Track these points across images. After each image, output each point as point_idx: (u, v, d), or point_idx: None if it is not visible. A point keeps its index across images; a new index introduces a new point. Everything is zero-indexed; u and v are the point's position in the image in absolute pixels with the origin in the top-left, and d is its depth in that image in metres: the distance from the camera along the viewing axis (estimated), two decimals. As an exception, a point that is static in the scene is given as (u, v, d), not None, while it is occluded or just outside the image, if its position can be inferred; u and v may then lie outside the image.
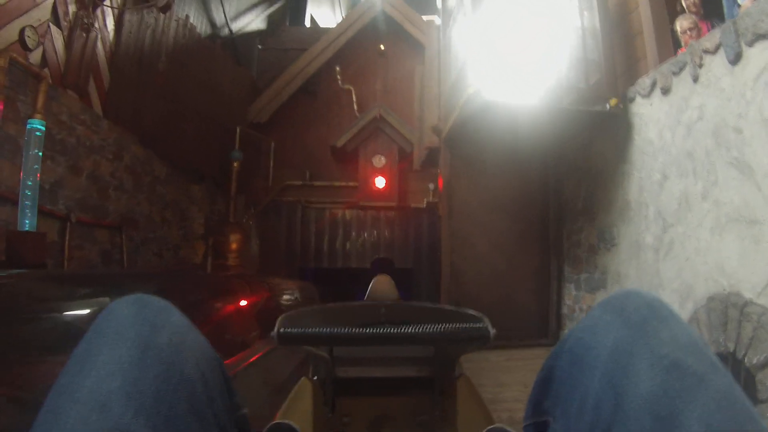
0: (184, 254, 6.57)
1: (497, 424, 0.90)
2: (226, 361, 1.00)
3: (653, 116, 3.77)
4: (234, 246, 6.69)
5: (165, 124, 6.03)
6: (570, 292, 5.05)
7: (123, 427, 0.43)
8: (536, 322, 5.02)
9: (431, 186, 7.85)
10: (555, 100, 3.79)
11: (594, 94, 3.97)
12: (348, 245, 8.05)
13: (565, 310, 5.14)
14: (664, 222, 3.60)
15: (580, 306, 4.85)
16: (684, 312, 3.23)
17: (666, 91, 3.57)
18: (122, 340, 0.51)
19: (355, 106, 8.20)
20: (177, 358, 0.53)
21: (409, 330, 0.95)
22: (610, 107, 3.98)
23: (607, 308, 0.60)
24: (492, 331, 0.97)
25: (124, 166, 5.26)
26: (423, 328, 0.94)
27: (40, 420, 0.45)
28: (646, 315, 0.55)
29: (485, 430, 0.86)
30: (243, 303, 2.78)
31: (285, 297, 3.73)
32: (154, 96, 5.83)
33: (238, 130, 7.22)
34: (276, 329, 0.98)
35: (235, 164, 7.02)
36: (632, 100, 4.04)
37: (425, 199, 7.90)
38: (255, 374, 2.21)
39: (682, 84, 3.39)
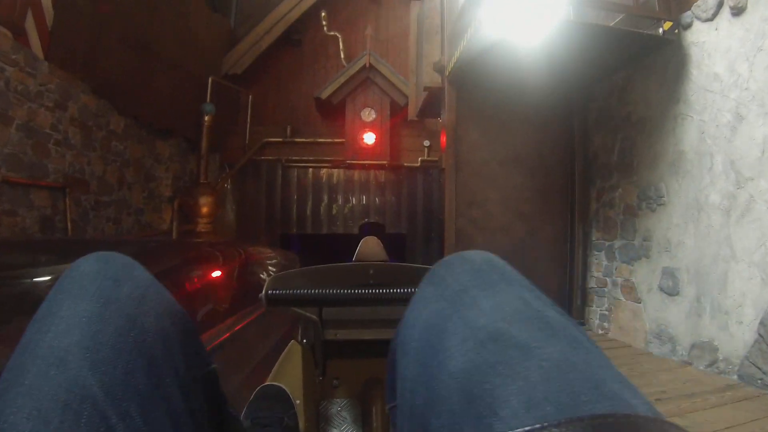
0: (148, 220, 5.84)
1: None
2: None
3: (720, 45, 3.09)
4: (205, 210, 5.97)
5: (125, 72, 5.25)
6: (599, 262, 4.36)
7: (80, 381, 0.42)
8: (557, 298, 4.24)
9: (426, 143, 7.21)
10: (594, 18, 3.04)
11: (642, 15, 3.26)
12: (334, 209, 7.42)
13: (592, 284, 4.45)
14: (737, 175, 2.93)
15: (614, 279, 4.16)
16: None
17: (739, 12, 2.87)
18: (83, 294, 0.50)
19: (342, 55, 7.40)
20: (138, 312, 0.52)
21: (399, 290, 0.96)
22: (664, 32, 3.26)
23: (429, 279, 0.56)
24: None
25: (69, 118, 4.50)
26: (411, 289, 0.93)
27: (3, 377, 0.43)
28: (466, 283, 0.51)
29: None
30: (213, 274, 2.38)
31: (264, 268, 3.24)
32: (114, 39, 5.03)
33: (210, 80, 6.40)
34: (264, 291, 0.96)
35: (207, 118, 6.23)
36: (688, 26, 3.35)
37: (420, 158, 7.31)
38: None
39: (762, 1, 2.68)
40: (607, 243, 4.28)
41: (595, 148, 4.48)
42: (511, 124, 4.36)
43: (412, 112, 5.82)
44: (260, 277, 2.78)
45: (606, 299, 4.25)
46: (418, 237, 7.44)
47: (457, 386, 0.41)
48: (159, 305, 0.56)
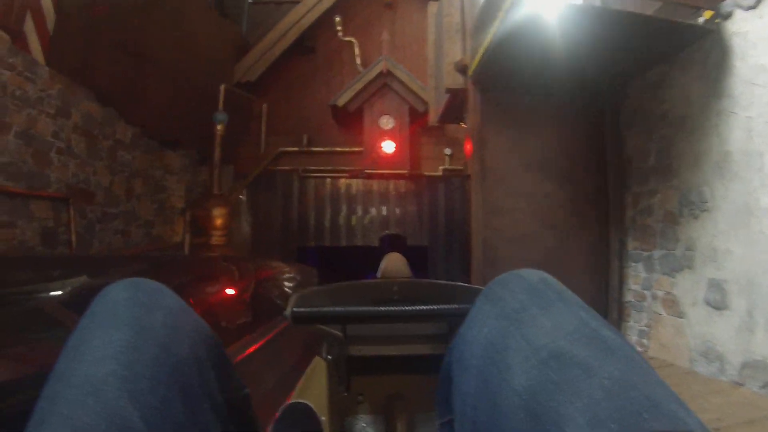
0: (159, 232, 5.60)
1: None
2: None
3: (766, 34, 2.77)
4: (218, 222, 5.70)
5: (128, 79, 5.03)
6: (637, 274, 3.97)
7: (120, 411, 0.42)
8: (593, 312, 3.87)
9: (448, 151, 6.91)
10: (631, 5, 2.73)
11: (682, 2, 2.94)
12: (353, 220, 7.11)
13: (629, 297, 4.05)
14: (792, 176, 2.56)
15: (653, 292, 3.75)
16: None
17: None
18: (116, 323, 0.50)
19: (358, 60, 7.15)
20: (171, 340, 0.52)
21: (423, 307, 0.95)
22: (705, 21, 2.94)
23: (486, 297, 0.57)
24: None
25: (72, 126, 4.29)
26: (436, 305, 0.94)
27: (38, 406, 0.43)
28: (525, 302, 0.51)
29: None
30: (228, 292, 2.20)
31: (279, 284, 3.02)
32: (115, 46, 4.83)
33: (222, 88, 6.18)
34: (289, 308, 0.96)
35: (219, 127, 5.99)
36: (728, 16, 3.02)
37: (441, 167, 6.99)
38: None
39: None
40: (645, 253, 3.89)
41: (629, 151, 4.11)
42: (539, 127, 4.03)
43: (432, 118, 5.51)
44: (275, 295, 2.60)
45: (645, 314, 3.85)
46: (439, 249, 7.09)
47: (521, 404, 0.42)
48: (191, 332, 0.56)
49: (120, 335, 0.48)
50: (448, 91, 4.21)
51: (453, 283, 1.12)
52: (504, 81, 3.85)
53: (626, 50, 3.42)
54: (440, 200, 7.11)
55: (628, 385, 0.40)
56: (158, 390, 0.46)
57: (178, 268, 2.67)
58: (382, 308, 0.98)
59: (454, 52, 4.19)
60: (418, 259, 7.08)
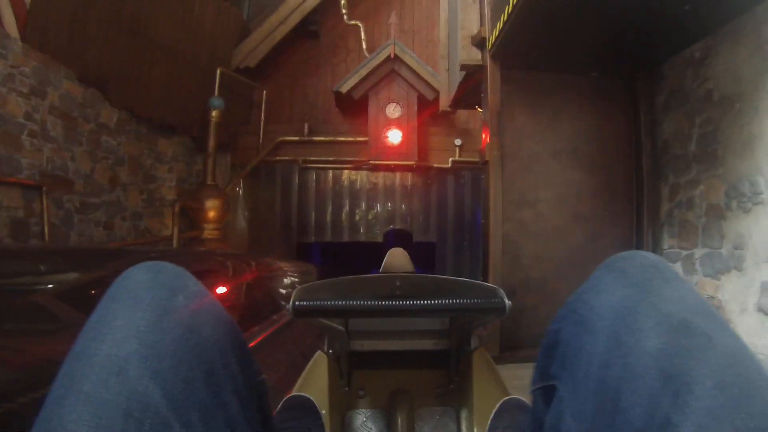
0: (148, 225, 5.22)
1: (512, 396, 1.00)
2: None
3: None
4: (211, 214, 5.32)
5: (118, 58, 4.67)
6: (674, 276, 3.51)
7: (141, 389, 0.42)
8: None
9: (458, 142, 6.51)
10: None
11: None
12: (358, 215, 6.72)
13: (665, 302, 3.60)
14: None
15: None
16: None
17: None
18: (139, 303, 0.49)
19: (365, 46, 6.73)
20: (195, 322, 0.52)
21: (425, 302, 0.95)
22: None
23: (609, 269, 0.59)
24: (508, 303, 0.94)
25: (48, 107, 3.91)
26: (438, 301, 0.94)
27: (56, 386, 0.43)
28: (650, 275, 0.54)
29: (501, 401, 0.98)
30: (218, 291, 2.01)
31: (275, 283, 2.89)
32: (104, 22, 4.46)
33: (218, 71, 5.77)
34: (291, 302, 0.93)
35: (214, 113, 5.59)
36: None
37: (450, 159, 6.57)
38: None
39: None
40: (684, 252, 3.47)
41: (666, 137, 3.67)
42: (566, 109, 3.61)
43: (444, 102, 5.06)
44: (270, 295, 2.55)
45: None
46: (448, 246, 6.68)
47: (654, 364, 0.45)
48: (214, 315, 0.56)
49: (143, 315, 0.48)
50: (463, 68, 3.77)
51: (455, 278, 1.07)
52: (527, 56, 3.44)
53: (664, 21, 2.99)
54: (449, 194, 6.72)
55: (743, 356, 0.44)
56: (181, 370, 0.46)
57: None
58: (386, 303, 0.96)
59: (471, 24, 3.73)
60: (425, 256, 6.74)
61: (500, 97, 3.43)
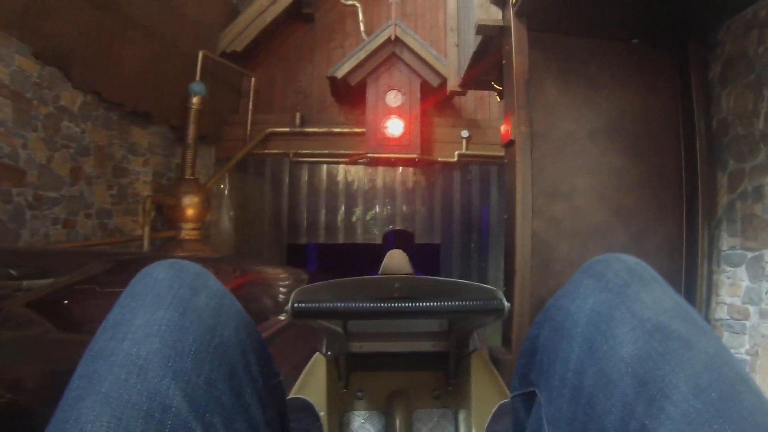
0: (118, 223, 4.64)
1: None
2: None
3: None
4: (190, 212, 4.74)
5: (83, 34, 4.12)
6: (734, 282, 2.96)
7: (162, 390, 0.42)
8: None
9: (465, 133, 5.98)
10: None
11: None
12: (355, 213, 6.19)
13: (722, 314, 3.03)
14: None
15: (761, 308, 2.73)
16: None
17: None
18: (160, 302, 0.49)
19: (363, 28, 6.19)
20: (216, 322, 0.52)
21: (424, 304, 0.95)
22: None
23: (586, 273, 0.58)
24: (507, 305, 0.93)
25: (-8, 84, 3.33)
26: (437, 302, 0.95)
27: (73, 385, 0.43)
28: (626, 279, 0.54)
29: (499, 403, 0.98)
30: None
31: (262, 290, 2.67)
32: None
33: (200, 55, 5.21)
34: (291, 303, 0.93)
35: (195, 100, 5.02)
36: None
37: (456, 152, 6.04)
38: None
39: None
40: (750, 254, 2.90)
41: (724, 115, 3.10)
42: (604, 82, 3.03)
43: (453, 82, 4.46)
44: (256, 304, 2.34)
45: (747, 337, 2.86)
46: (454, 248, 6.13)
47: (629, 371, 0.45)
48: (234, 315, 0.56)
49: (164, 314, 0.47)
50: (480, 30, 3.15)
51: (454, 280, 1.06)
52: (558, 16, 2.86)
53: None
54: (455, 191, 6.18)
55: (722, 360, 0.44)
56: (203, 370, 0.46)
57: (118, 270, 1.91)
58: (385, 304, 0.94)
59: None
60: (428, 259, 6.20)
61: (529, 64, 2.85)
